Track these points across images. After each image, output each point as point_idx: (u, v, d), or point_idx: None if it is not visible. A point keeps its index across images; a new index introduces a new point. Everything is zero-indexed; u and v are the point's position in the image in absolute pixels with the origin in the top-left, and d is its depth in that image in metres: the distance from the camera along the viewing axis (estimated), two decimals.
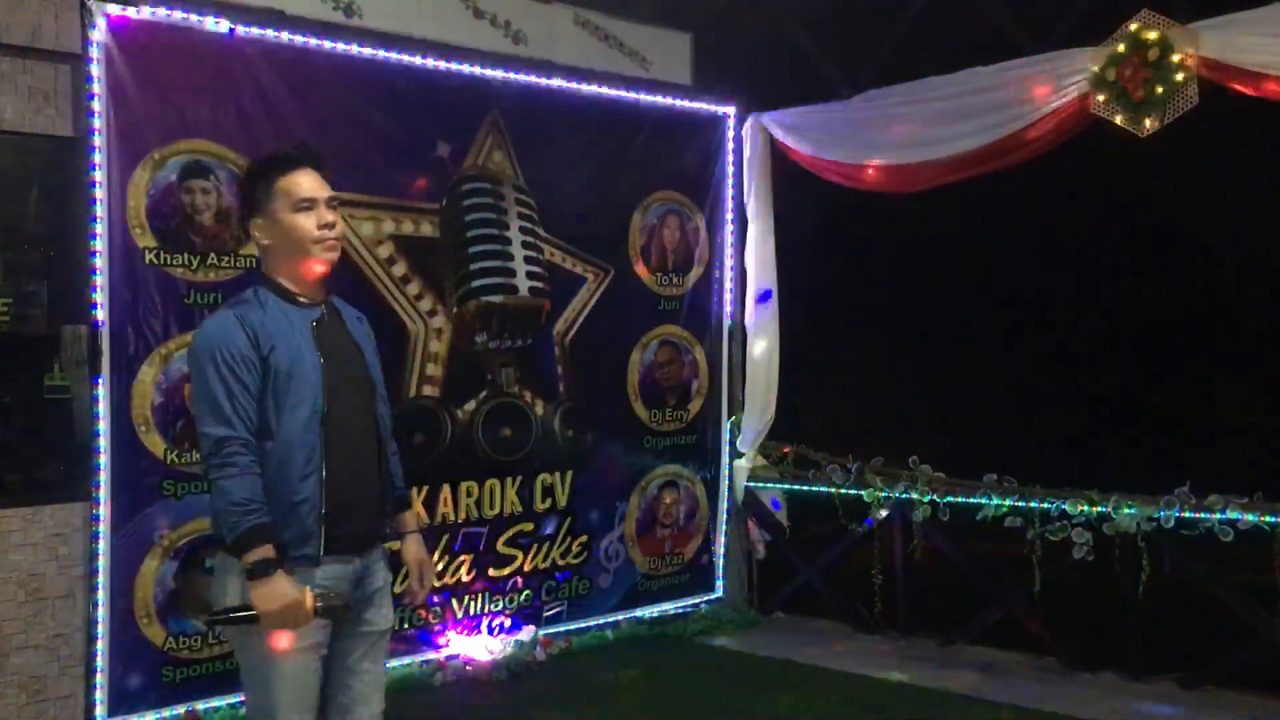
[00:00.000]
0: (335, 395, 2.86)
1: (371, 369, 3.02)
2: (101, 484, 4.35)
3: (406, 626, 5.17)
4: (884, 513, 5.87)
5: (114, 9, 4.35)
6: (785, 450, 6.43)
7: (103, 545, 4.35)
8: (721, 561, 6.48)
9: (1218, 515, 4.85)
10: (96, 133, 4.33)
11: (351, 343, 2.99)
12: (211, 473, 2.73)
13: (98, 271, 4.34)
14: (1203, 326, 8.43)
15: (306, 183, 2.88)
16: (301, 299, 2.91)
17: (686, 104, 6.28)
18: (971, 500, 5.51)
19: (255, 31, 4.71)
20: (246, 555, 2.68)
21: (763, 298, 6.36)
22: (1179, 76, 4.84)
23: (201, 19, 4.57)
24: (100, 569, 4.35)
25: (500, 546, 5.51)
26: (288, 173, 2.87)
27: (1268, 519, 4.75)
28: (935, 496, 5.63)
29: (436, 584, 5.26)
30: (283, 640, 2.74)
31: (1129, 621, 5.21)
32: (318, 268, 2.90)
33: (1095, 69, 5.07)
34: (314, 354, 2.84)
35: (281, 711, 2.78)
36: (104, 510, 4.36)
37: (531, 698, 5.05)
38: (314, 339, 2.86)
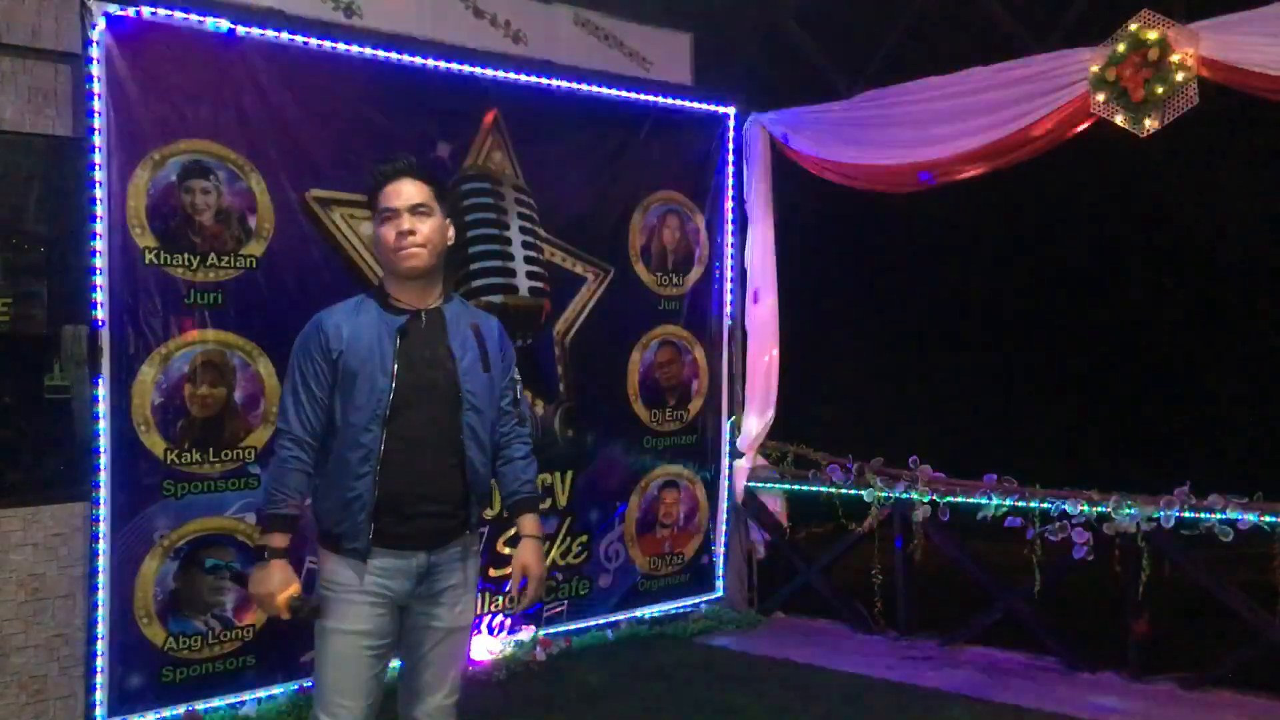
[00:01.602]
0: (407, 401, 2.92)
1: (465, 377, 2.99)
2: (101, 484, 4.36)
3: None
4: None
5: (114, 9, 4.35)
6: (786, 450, 6.44)
7: (103, 545, 4.35)
8: (721, 561, 6.48)
9: (1218, 515, 4.85)
10: (96, 133, 4.33)
11: (445, 350, 3.00)
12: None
13: (98, 271, 4.34)
14: (1203, 326, 8.43)
15: (398, 192, 2.97)
16: (398, 304, 3.00)
17: (686, 104, 6.28)
18: (971, 500, 5.52)
19: (255, 31, 4.71)
20: (261, 539, 2.97)
21: (754, 298, 6.38)
22: (1179, 76, 4.85)
23: (201, 19, 4.57)
24: (100, 569, 4.35)
25: (500, 547, 5.50)
26: (385, 185, 2.99)
27: (1268, 519, 4.76)
28: (935, 496, 5.64)
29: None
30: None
31: (1129, 621, 5.21)
32: (399, 273, 2.99)
33: (1095, 69, 5.07)
34: (388, 360, 2.91)
35: (327, 690, 2.95)
36: (104, 510, 4.36)
37: (531, 698, 5.04)
38: (395, 345, 2.93)
